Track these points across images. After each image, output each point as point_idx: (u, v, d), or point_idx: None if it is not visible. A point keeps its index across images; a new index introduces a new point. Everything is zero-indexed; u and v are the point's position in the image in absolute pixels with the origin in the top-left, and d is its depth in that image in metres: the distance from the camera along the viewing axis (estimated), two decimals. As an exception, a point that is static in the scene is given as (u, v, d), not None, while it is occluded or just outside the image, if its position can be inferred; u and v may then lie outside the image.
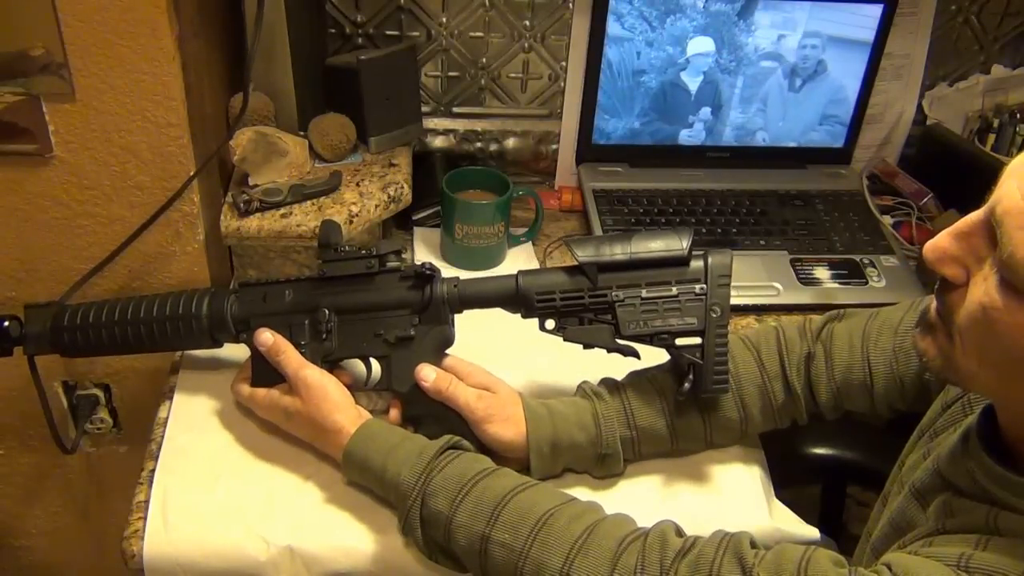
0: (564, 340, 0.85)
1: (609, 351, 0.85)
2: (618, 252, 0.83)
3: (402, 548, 0.79)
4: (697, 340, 0.82)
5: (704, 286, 0.82)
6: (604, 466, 0.87)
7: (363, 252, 0.87)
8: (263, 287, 0.90)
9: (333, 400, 0.83)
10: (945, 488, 0.68)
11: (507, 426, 0.84)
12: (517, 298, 0.85)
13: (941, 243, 0.60)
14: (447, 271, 0.99)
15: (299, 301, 0.88)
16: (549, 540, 0.70)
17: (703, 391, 0.83)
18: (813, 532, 0.86)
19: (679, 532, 0.71)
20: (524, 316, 0.86)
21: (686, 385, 0.82)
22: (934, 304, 0.63)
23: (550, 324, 0.85)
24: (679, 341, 0.83)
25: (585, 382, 0.90)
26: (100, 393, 1.15)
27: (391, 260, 0.88)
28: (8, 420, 1.15)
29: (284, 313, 0.88)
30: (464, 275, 0.89)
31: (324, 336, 0.87)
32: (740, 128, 1.35)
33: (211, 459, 0.87)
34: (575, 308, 0.84)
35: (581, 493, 0.82)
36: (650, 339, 0.83)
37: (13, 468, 1.22)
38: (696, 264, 0.83)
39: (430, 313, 0.87)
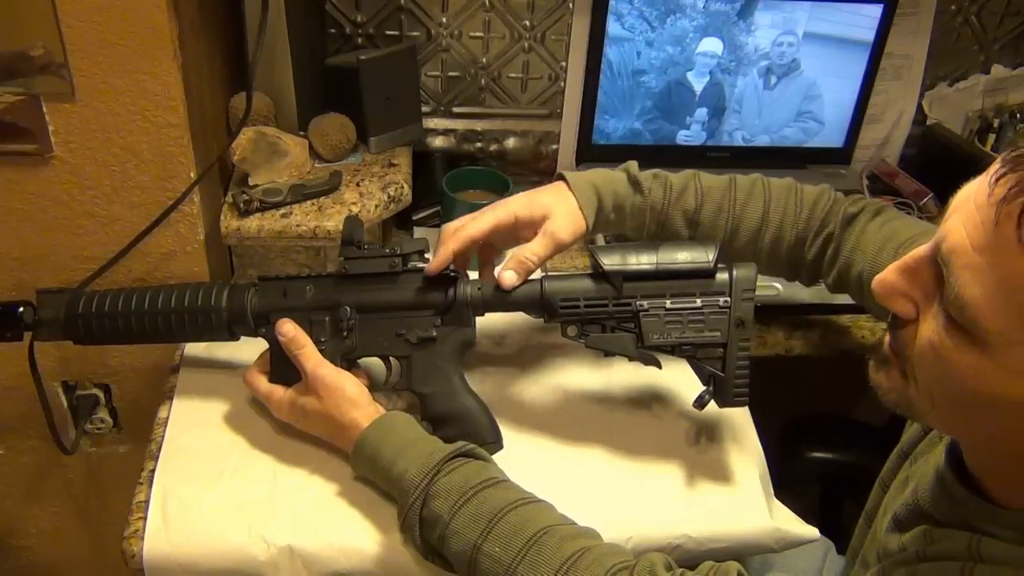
0: (586, 347, 0.85)
1: (630, 359, 0.85)
2: (644, 262, 0.84)
3: (402, 548, 0.79)
4: (719, 352, 0.83)
5: (728, 299, 0.83)
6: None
7: (387, 251, 0.87)
8: (283, 282, 0.89)
9: (351, 398, 0.83)
10: (924, 519, 0.67)
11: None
12: (541, 303, 0.85)
13: (889, 278, 0.59)
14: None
15: (320, 298, 0.88)
16: (538, 559, 0.69)
17: (723, 403, 0.84)
18: (813, 532, 0.86)
19: (669, 566, 0.70)
20: (547, 321, 0.87)
21: (706, 396, 0.83)
22: (887, 338, 0.62)
23: (572, 330, 0.85)
24: (701, 352, 0.83)
25: (632, 164, 0.95)
26: (100, 393, 1.14)
27: (414, 260, 0.87)
28: (8, 420, 1.15)
29: (305, 309, 0.88)
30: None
31: (345, 334, 0.87)
32: (739, 127, 1.35)
33: (211, 459, 0.87)
34: (598, 316, 0.84)
35: (581, 491, 0.82)
36: (672, 350, 0.84)
37: (13, 468, 1.22)
38: (721, 277, 0.83)
39: (453, 315, 0.86)
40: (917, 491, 0.69)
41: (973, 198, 0.53)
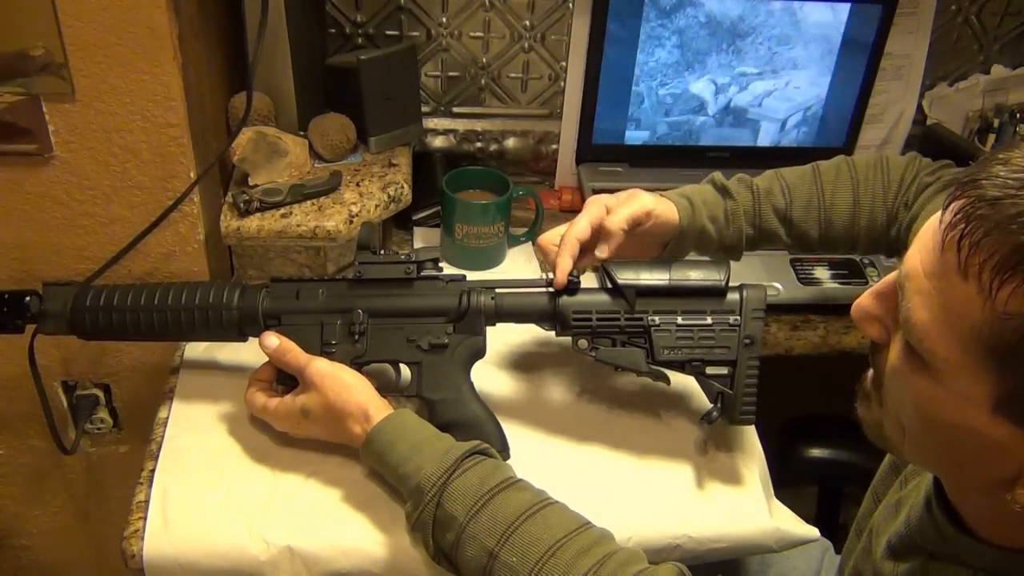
0: (596, 360, 0.86)
1: (639, 375, 0.86)
2: (657, 278, 0.85)
3: (403, 548, 0.79)
4: (727, 370, 0.84)
5: (738, 318, 0.84)
6: (727, 253, 0.96)
7: (402, 257, 0.88)
8: (296, 284, 0.89)
9: (348, 383, 0.83)
10: (919, 552, 0.67)
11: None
12: (554, 315, 0.86)
13: (863, 302, 0.60)
14: (447, 271, 1.00)
15: (333, 301, 0.87)
16: (554, 573, 0.69)
17: (731, 420, 0.84)
18: (813, 532, 0.86)
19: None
20: (558, 334, 0.88)
21: (714, 414, 0.84)
22: (871, 372, 0.63)
23: (583, 343, 0.86)
24: (709, 370, 0.84)
25: (716, 174, 0.97)
26: (100, 393, 1.14)
27: (428, 267, 0.88)
28: (8, 420, 1.15)
29: (317, 312, 0.87)
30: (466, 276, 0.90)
31: (356, 338, 0.87)
32: (738, 127, 1.35)
33: (211, 459, 0.87)
34: (610, 330, 0.85)
35: (583, 491, 0.82)
36: (682, 366, 0.84)
37: (13, 468, 1.22)
38: (732, 296, 0.85)
39: (466, 323, 0.87)
40: (910, 521, 0.69)
41: (932, 223, 0.53)
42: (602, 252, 0.88)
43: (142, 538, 0.79)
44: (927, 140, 1.44)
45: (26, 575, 1.36)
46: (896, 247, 0.97)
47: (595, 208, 0.90)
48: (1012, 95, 1.45)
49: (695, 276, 0.85)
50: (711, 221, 0.94)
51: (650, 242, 0.93)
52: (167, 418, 0.92)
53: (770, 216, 0.95)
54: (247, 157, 1.05)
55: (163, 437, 0.89)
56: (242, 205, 1.02)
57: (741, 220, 0.95)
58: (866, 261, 1.21)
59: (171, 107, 0.92)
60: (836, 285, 1.18)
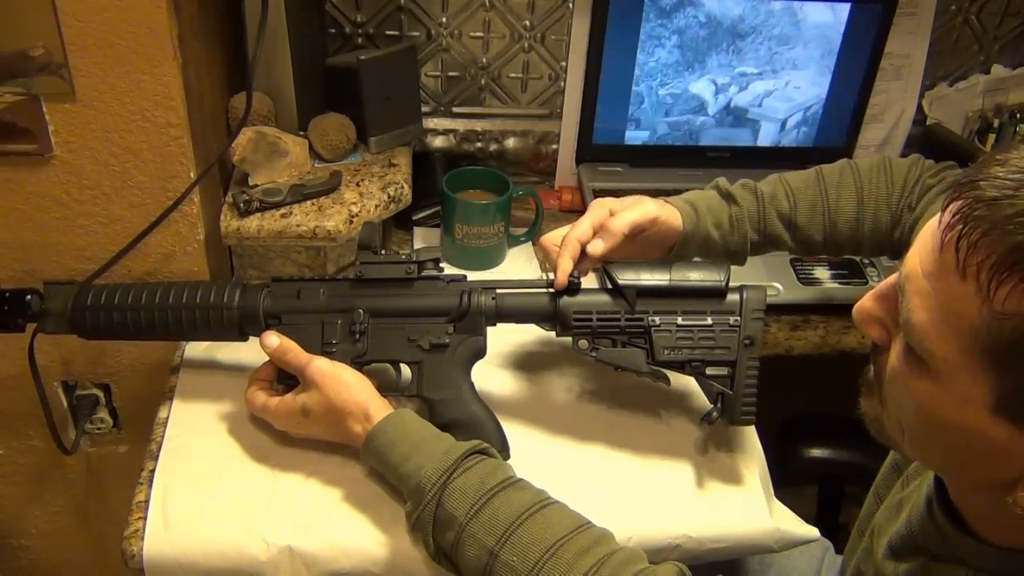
0: (596, 360, 0.86)
1: (639, 375, 0.86)
2: (658, 278, 0.85)
3: (403, 548, 0.79)
4: (727, 370, 0.84)
5: (738, 318, 0.84)
6: (731, 259, 0.96)
7: (403, 257, 0.88)
8: (297, 283, 0.89)
9: (348, 382, 0.83)
10: (920, 552, 0.67)
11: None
12: (554, 315, 0.86)
13: (865, 304, 0.60)
14: (448, 272, 1.00)
15: (334, 300, 0.88)
16: (555, 573, 0.69)
17: (731, 421, 0.85)
18: (813, 532, 0.86)
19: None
20: (559, 334, 0.88)
21: (714, 414, 0.84)
22: (872, 366, 0.63)
23: (583, 344, 0.86)
24: (709, 370, 0.84)
25: (721, 180, 0.97)
26: (100, 393, 1.15)
27: (429, 267, 0.88)
28: (8, 420, 1.15)
29: (318, 311, 0.88)
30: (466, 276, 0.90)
31: (357, 337, 0.87)
32: (738, 127, 1.35)
33: (211, 459, 0.87)
34: (610, 330, 0.85)
35: (583, 492, 0.82)
36: (682, 366, 0.85)
37: (13, 468, 1.22)
38: (732, 297, 0.85)
39: (466, 323, 0.87)
40: (911, 521, 0.69)
41: (931, 224, 0.53)
42: (595, 248, 0.87)
43: (142, 538, 0.79)
44: (927, 140, 1.44)
45: (26, 575, 1.36)
46: (900, 249, 0.97)
47: (598, 210, 0.90)
48: (1012, 95, 1.45)
49: (695, 277, 0.85)
50: (715, 227, 0.94)
51: (653, 247, 0.93)
52: (167, 418, 0.92)
53: (774, 221, 0.96)
54: (247, 157, 1.05)
55: (163, 437, 0.89)
56: (242, 205, 1.02)
57: (746, 225, 0.95)
58: (866, 261, 1.21)
59: (171, 107, 0.92)
60: (836, 285, 1.18)
